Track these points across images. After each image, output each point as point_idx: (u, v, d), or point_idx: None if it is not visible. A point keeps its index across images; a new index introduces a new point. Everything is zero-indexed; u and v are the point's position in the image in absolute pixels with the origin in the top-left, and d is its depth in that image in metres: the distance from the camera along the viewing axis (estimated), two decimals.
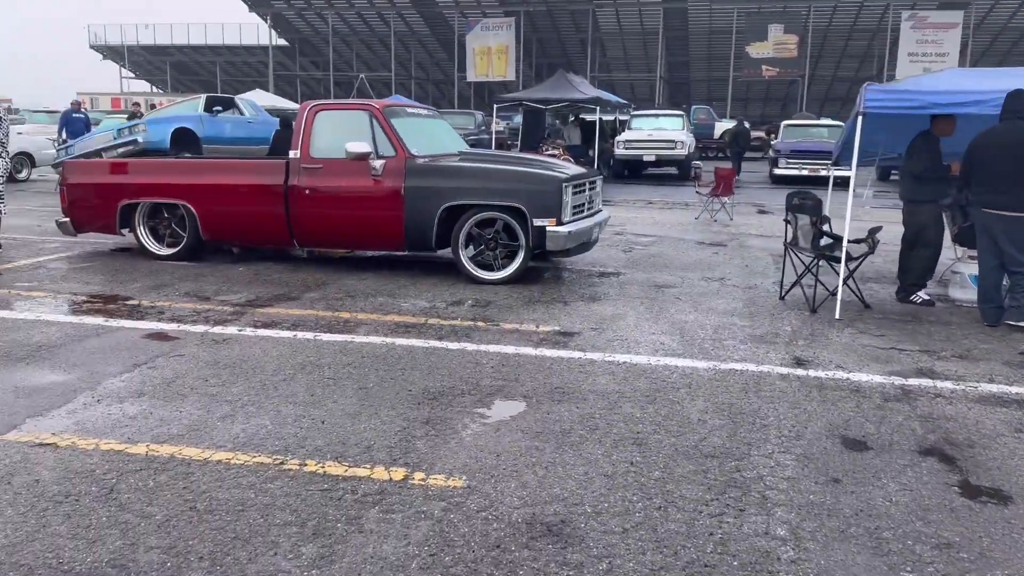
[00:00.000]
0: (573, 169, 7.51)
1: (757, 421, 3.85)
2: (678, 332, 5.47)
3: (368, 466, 3.25)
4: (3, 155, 8.37)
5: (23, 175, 16.82)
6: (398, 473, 3.18)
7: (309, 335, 5.29)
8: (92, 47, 52.56)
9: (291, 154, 7.40)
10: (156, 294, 6.46)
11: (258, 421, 3.74)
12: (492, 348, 5.02)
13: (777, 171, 19.48)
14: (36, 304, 6.05)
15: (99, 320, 5.59)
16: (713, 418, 3.87)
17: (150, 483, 3.06)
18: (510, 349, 5.00)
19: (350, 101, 7.92)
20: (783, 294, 6.64)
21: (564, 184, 6.81)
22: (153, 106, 20.45)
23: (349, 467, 3.23)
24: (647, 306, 6.26)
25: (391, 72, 48.07)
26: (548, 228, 6.75)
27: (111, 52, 53.01)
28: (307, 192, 7.32)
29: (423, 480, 3.13)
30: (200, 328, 5.42)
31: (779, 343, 5.28)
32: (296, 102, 37.21)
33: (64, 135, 16.18)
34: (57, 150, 13.81)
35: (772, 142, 23.08)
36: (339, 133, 7.24)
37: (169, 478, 3.11)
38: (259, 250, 8.43)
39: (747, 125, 23.47)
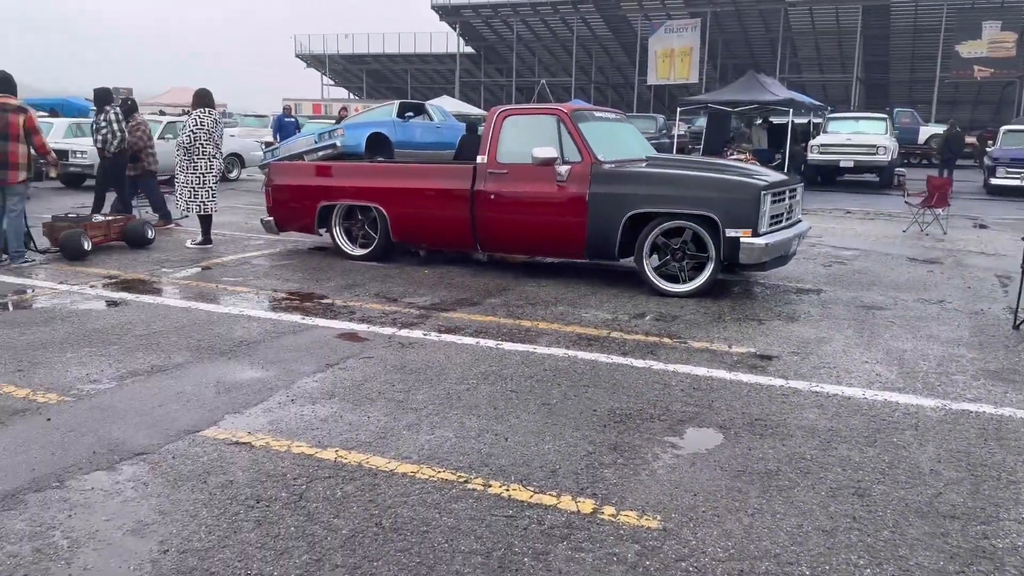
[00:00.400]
0: (773, 176, 6.98)
1: (1003, 476, 3.28)
2: (896, 362, 4.88)
3: (554, 493, 3.04)
4: (217, 156, 9.01)
5: (233, 175, 18.24)
6: (586, 505, 2.96)
7: (491, 343, 5.20)
8: (297, 56, 56.74)
9: (478, 159, 7.41)
10: (348, 294, 6.65)
11: (442, 433, 3.64)
12: (681, 368, 4.69)
13: (995, 181, 17.57)
14: (240, 299, 6.39)
15: (296, 318, 5.79)
16: (948, 469, 3.34)
17: (338, 492, 3.02)
18: (701, 371, 4.64)
19: (538, 106, 7.82)
20: (1017, 323, 5.80)
21: (763, 192, 6.33)
22: (344, 110, 21.57)
23: (534, 493, 3.04)
24: (855, 329, 5.67)
25: (571, 77, 48.34)
26: (742, 239, 6.30)
27: (314, 60, 56.98)
28: (492, 197, 7.29)
29: (614, 516, 2.88)
30: (388, 330, 5.48)
31: (1019, 381, 4.56)
32: (480, 108, 38.29)
33: (277, 138, 17.48)
34: (263, 152, 14.86)
35: (988, 149, 20.86)
36: (526, 138, 7.15)
37: (356, 488, 3.05)
38: (443, 253, 8.54)
39: (959, 129, 21.35)
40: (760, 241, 6.30)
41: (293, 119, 18.75)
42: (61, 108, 21.41)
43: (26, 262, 7.61)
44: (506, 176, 7.24)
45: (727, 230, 6.32)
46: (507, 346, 5.14)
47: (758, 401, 4.14)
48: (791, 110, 19.75)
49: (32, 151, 7.55)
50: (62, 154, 14.09)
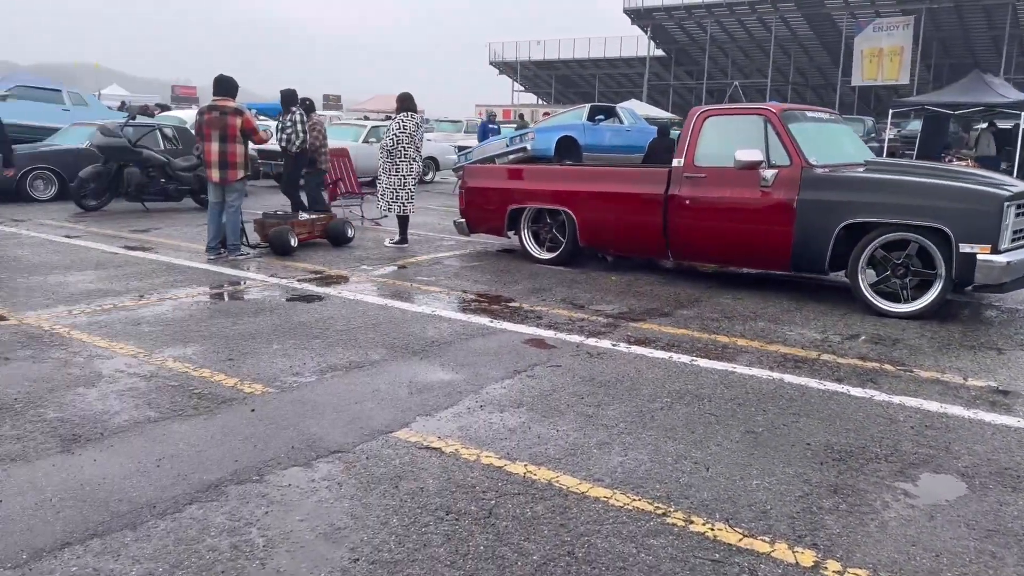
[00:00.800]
0: (1018, 185, 6.11)
1: None
2: None
3: (766, 539, 2.70)
4: (417, 159, 9.25)
5: (428, 177, 18.89)
6: (805, 557, 2.59)
7: (685, 358, 4.87)
8: (491, 63, 58.42)
9: (674, 162, 7.08)
10: (535, 298, 6.55)
11: (636, 455, 3.39)
12: (909, 401, 4.14)
13: None
14: (432, 299, 6.46)
15: (484, 320, 5.75)
16: None
17: (527, 512, 2.85)
18: (933, 405, 4.07)
19: (744, 105, 7.36)
20: None
21: (1006, 203, 5.55)
22: (521, 116, 21.74)
23: (743, 536, 2.72)
24: None
25: (767, 79, 46.26)
26: (979, 256, 5.55)
27: (506, 67, 58.42)
28: (687, 202, 6.93)
29: (839, 573, 2.50)
30: (575, 338, 5.30)
31: None
32: (667, 111, 37.50)
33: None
34: (457, 156, 15.25)
35: None
36: (728, 140, 6.74)
37: (546, 509, 2.87)
38: (629, 259, 8.27)
39: None
40: (1001, 259, 5.52)
41: (496, 125, 19.09)
42: None
43: (241, 255, 8.16)
44: (704, 180, 6.86)
45: (961, 245, 5.59)
46: (703, 363, 4.79)
47: (1006, 446, 3.55)
48: (1022, 114, 17.62)
49: (250, 151, 8.08)
50: (276, 155, 15.12)
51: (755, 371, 4.65)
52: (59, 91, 16.19)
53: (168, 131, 13.65)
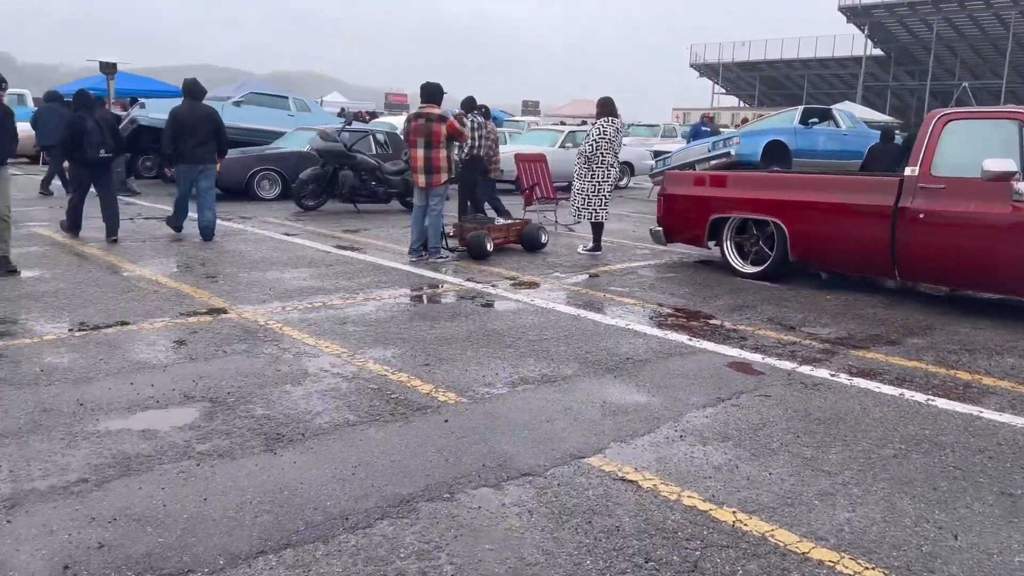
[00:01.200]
0: None
1: None
2: None
3: None
4: (615, 165, 9.01)
5: (623, 182, 18.59)
6: None
7: (920, 397, 4.27)
8: (691, 66, 57.08)
9: (907, 171, 6.34)
10: (738, 316, 6.10)
11: (865, 511, 2.94)
12: None
13: None
14: (626, 311, 6.19)
15: (682, 338, 5.40)
16: None
17: (738, 571, 2.52)
18: None
19: (992, 109, 6.47)
20: None
21: None
22: (711, 119, 20.30)
23: None
24: None
25: (1002, 79, 41.68)
26: None
27: (707, 70, 56.83)
28: (921, 216, 6.18)
29: None
30: (786, 365, 4.82)
31: None
32: (883, 113, 34.71)
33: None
34: (654, 161, 14.83)
35: None
36: (974, 147, 5.95)
37: (760, 569, 2.53)
38: (846, 277, 7.54)
39: None
40: None
41: (708, 128, 18.20)
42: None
43: (441, 258, 8.31)
44: (942, 192, 6.09)
45: None
46: (941, 403, 4.18)
47: None
48: None
49: (453, 156, 8.21)
50: None
51: (1007, 417, 3.98)
52: (286, 98, 17.48)
53: (380, 136, 14.34)
